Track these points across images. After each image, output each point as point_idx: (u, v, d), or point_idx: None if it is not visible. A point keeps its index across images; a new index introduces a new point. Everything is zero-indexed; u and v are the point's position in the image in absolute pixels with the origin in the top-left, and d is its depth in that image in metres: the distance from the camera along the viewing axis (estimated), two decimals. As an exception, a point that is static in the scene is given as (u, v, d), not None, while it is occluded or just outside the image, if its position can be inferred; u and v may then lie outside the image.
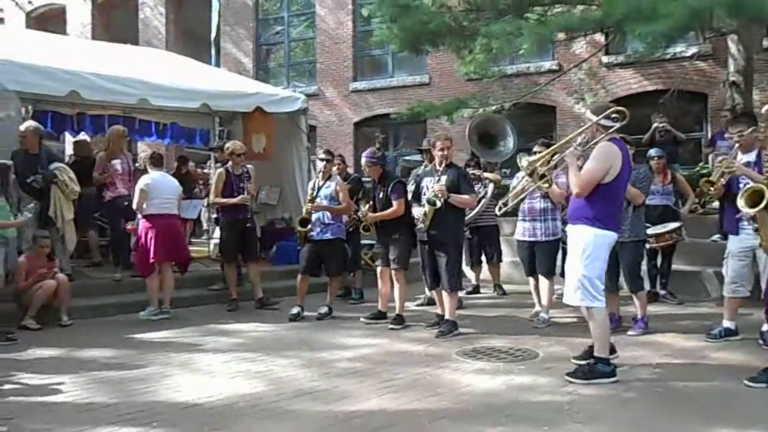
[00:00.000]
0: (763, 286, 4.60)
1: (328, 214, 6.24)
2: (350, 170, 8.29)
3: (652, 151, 6.70)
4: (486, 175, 7.25)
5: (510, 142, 7.23)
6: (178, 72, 8.64)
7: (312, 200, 6.22)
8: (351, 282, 7.25)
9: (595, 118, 4.00)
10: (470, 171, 7.43)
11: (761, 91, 10.67)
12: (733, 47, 9.36)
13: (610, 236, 3.93)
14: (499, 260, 7.65)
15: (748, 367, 4.01)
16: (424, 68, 14.15)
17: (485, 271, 7.75)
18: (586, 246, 3.87)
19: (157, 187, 6.24)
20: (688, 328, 5.35)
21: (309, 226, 6.18)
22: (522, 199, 5.60)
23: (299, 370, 4.31)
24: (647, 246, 6.14)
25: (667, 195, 6.62)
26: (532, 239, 5.88)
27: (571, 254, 4.00)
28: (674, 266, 6.88)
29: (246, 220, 6.70)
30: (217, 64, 13.66)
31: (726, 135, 5.05)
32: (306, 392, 3.79)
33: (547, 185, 4.78)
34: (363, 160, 5.92)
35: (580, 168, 3.93)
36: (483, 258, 7.64)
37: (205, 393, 3.76)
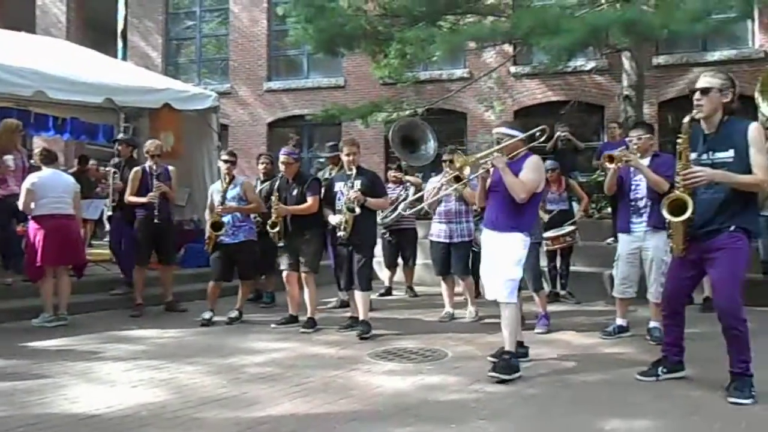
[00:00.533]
0: (649, 287, 5.01)
1: (239, 215, 6.12)
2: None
3: (548, 164, 7.09)
4: (407, 178, 7.38)
5: (431, 147, 7.41)
6: (79, 64, 8.17)
7: (222, 203, 6.07)
8: (262, 285, 7.14)
9: (515, 133, 4.26)
10: (392, 174, 7.55)
11: (650, 105, 11.54)
12: (626, 63, 10.06)
13: (529, 241, 4.26)
14: (414, 263, 7.79)
15: (638, 361, 4.30)
16: (339, 70, 14.18)
17: (398, 273, 7.86)
18: (521, 251, 4.15)
19: (47, 186, 5.87)
20: (585, 326, 5.67)
21: (223, 230, 6.02)
22: (438, 202, 5.89)
23: (206, 376, 4.19)
24: (545, 248, 6.52)
25: (562, 201, 7.03)
26: (447, 240, 6.06)
27: (501, 258, 4.17)
28: (573, 268, 7.28)
29: (156, 219, 6.35)
30: (124, 58, 13.03)
31: (626, 138, 5.48)
32: (213, 399, 3.69)
33: (462, 187, 5.17)
34: (282, 158, 5.80)
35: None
36: (398, 260, 7.76)
37: (104, 403, 3.58)
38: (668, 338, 3.96)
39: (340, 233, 5.39)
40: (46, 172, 6.01)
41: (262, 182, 6.73)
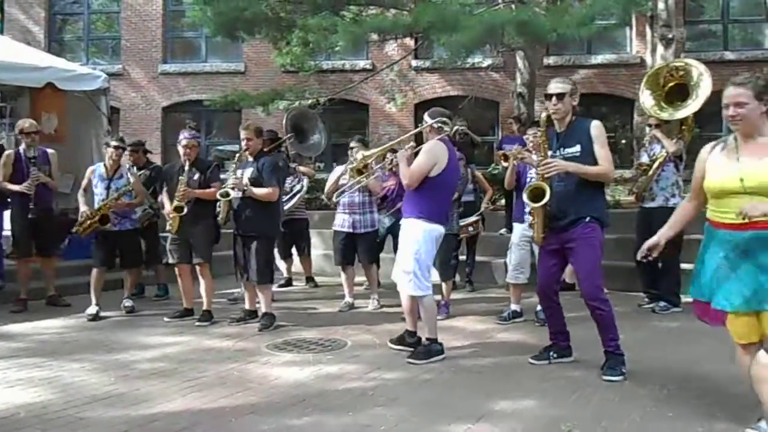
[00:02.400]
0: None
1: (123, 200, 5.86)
2: (157, 158, 7.81)
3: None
4: (300, 168, 7.29)
5: (321, 138, 7.35)
6: (-55, 35, 7.42)
7: (119, 198, 5.78)
8: (155, 277, 6.84)
9: (430, 121, 4.38)
10: None
11: (541, 103, 12.15)
12: (520, 62, 10.55)
13: (437, 229, 4.29)
14: (309, 252, 7.76)
15: (528, 345, 4.57)
16: (239, 56, 13.81)
17: (297, 264, 7.81)
18: (417, 239, 4.21)
19: None
20: (480, 313, 5.92)
21: (108, 225, 5.74)
22: (342, 193, 5.88)
23: (93, 374, 3.98)
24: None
25: (469, 193, 7.26)
26: (350, 230, 6.10)
27: (403, 246, 4.31)
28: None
29: (32, 213, 5.91)
30: (1, 32, 11.94)
31: (524, 136, 5.80)
32: (100, 398, 3.51)
33: (365, 178, 5.34)
34: (185, 141, 5.47)
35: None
36: (293, 251, 7.69)
37: (-24, 406, 3.31)
38: (552, 327, 4.23)
39: (219, 219, 5.34)
40: None
41: (139, 169, 6.47)
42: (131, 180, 5.93)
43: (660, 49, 10.39)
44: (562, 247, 3.94)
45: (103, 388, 3.69)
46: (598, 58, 13.05)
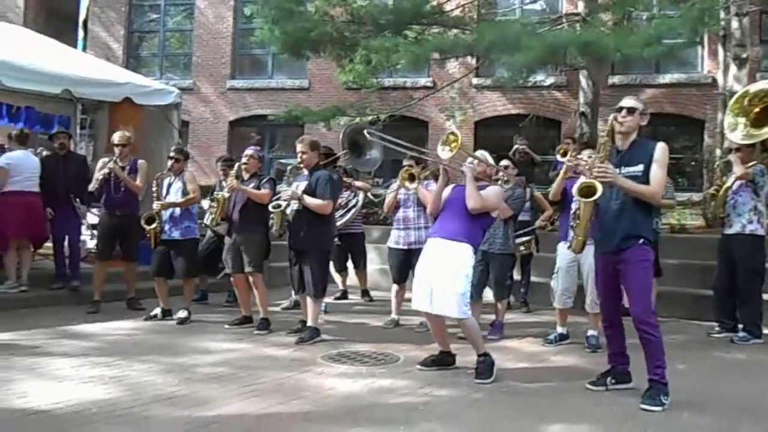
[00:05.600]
0: (586, 297, 5.24)
1: (178, 211, 6.07)
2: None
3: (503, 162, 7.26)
4: (356, 183, 7.42)
5: (376, 153, 7.43)
6: (38, 52, 7.96)
7: (166, 197, 6.09)
8: (205, 285, 7.14)
9: (492, 162, 4.71)
10: None
11: (605, 123, 11.90)
12: (583, 81, 10.40)
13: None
14: (365, 266, 7.85)
15: (581, 369, 4.53)
16: (304, 72, 14.20)
17: (352, 277, 7.93)
18: (466, 265, 4.28)
19: (21, 165, 6.45)
20: (535, 334, 5.84)
21: (155, 224, 5.97)
22: (396, 207, 6.04)
23: (158, 375, 4.19)
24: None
25: (526, 211, 7.20)
26: (405, 247, 6.07)
27: (448, 269, 4.25)
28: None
29: (123, 216, 6.35)
30: (84, 48, 12.75)
31: (578, 155, 5.71)
32: (164, 398, 3.70)
33: (414, 185, 5.47)
34: (249, 151, 5.82)
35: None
36: (349, 264, 7.81)
37: (53, 399, 3.55)
38: (611, 348, 4.12)
39: (273, 230, 5.56)
40: (19, 152, 6.53)
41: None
42: (187, 183, 6.11)
43: (733, 69, 10.01)
44: (615, 268, 3.86)
45: (168, 388, 3.89)
46: (667, 78, 12.70)
